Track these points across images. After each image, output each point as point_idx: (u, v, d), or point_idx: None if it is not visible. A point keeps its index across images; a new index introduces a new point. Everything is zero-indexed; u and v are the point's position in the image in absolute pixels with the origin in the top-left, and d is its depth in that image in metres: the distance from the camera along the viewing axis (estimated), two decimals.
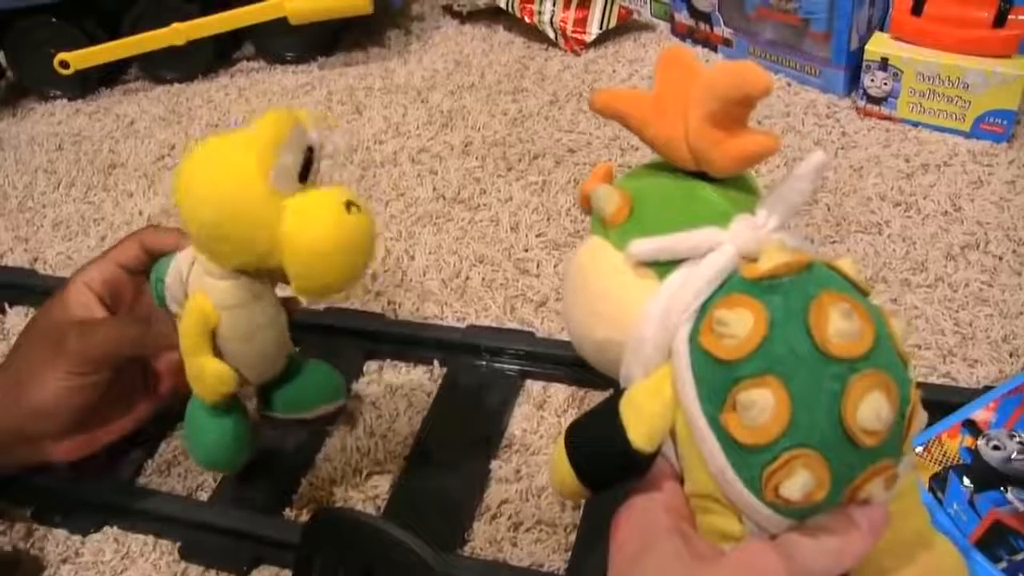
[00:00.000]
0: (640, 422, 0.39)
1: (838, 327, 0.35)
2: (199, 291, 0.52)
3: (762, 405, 0.35)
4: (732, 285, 0.38)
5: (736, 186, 0.42)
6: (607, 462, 0.41)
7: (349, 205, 0.47)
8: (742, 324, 0.36)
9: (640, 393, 0.40)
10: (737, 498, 0.37)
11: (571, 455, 0.41)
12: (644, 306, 0.40)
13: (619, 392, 0.41)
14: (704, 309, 0.38)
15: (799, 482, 0.35)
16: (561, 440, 0.42)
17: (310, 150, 0.49)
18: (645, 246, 0.40)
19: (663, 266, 0.40)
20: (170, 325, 0.54)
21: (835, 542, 0.36)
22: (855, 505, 0.36)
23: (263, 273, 0.50)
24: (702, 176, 0.42)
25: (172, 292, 0.54)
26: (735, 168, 0.41)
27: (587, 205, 0.45)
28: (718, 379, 0.36)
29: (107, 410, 0.61)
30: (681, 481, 0.41)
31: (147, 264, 0.59)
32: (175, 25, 1.09)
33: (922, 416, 0.37)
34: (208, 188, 0.47)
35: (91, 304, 0.59)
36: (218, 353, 0.53)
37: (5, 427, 0.58)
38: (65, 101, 1.16)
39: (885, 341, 0.36)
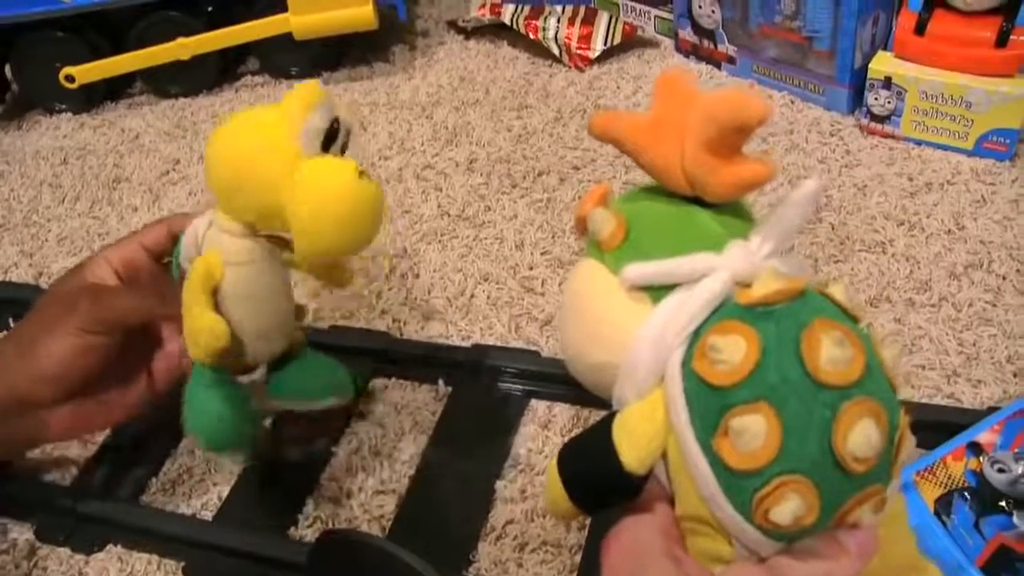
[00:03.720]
0: (632, 445, 0.39)
1: (830, 354, 0.35)
2: (210, 247, 0.54)
3: (754, 431, 0.35)
4: (726, 311, 0.38)
5: (731, 212, 0.42)
6: (599, 483, 0.41)
7: (362, 174, 0.50)
8: (735, 350, 0.36)
9: (633, 416, 0.40)
10: (728, 521, 0.37)
11: (564, 476, 0.42)
12: (638, 330, 0.40)
13: (612, 414, 0.41)
14: (697, 334, 0.38)
15: (789, 508, 0.35)
16: (554, 461, 0.43)
17: (336, 121, 0.51)
18: (640, 270, 0.40)
19: (657, 290, 0.40)
20: (179, 304, 0.55)
21: (824, 566, 0.37)
22: (845, 529, 0.37)
23: (274, 241, 0.54)
24: (698, 201, 0.42)
25: (186, 251, 0.56)
26: (730, 195, 0.41)
27: (582, 227, 0.45)
28: (711, 404, 0.37)
29: (104, 388, 0.61)
30: (672, 503, 0.41)
31: (169, 250, 0.61)
32: (180, 40, 1.10)
33: (911, 441, 0.37)
34: (237, 138, 0.51)
35: (106, 276, 0.61)
36: (219, 314, 0.55)
37: (6, 388, 0.58)
38: (70, 115, 1.17)
39: (876, 368, 0.37)
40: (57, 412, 0.60)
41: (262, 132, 0.50)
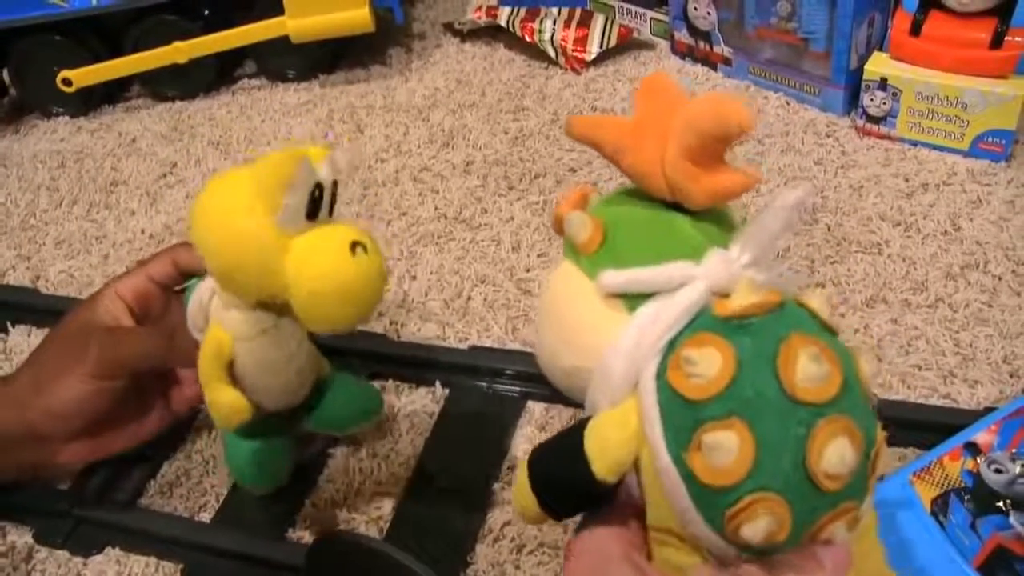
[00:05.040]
0: (604, 453, 0.39)
1: (806, 371, 0.35)
2: (217, 321, 0.53)
3: (727, 447, 0.35)
4: (702, 323, 0.38)
5: (712, 219, 0.42)
6: (569, 490, 0.41)
7: (355, 246, 0.47)
8: (710, 364, 0.36)
9: (605, 424, 0.40)
10: (699, 534, 0.37)
11: (533, 481, 0.42)
12: (613, 338, 0.39)
13: (585, 420, 0.41)
14: (673, 345, 0.38)
15: (760, 526, 0.35)
16: (524, 465, 0.43)
17: (319, 187, 0.49)
18: (616, 278, 0.40)
19: (634, 298, 0.40)
20: (194, 343, 0.55)
21: None
22: (820, 544, 0.36)
23: (281, 306, 0.50)
24: (678, 207, 0.41)
25: (193, 319, 0.55)
26: (710, 203, 0.40)
27: (559, 227, 0.44)
28: (684, 418, 0.36)
29: (119, 419, 0.62)
30: (640, 512, 0.41)
31: (178, 280, 0.62)
32: (177, 43, 1.10)
33: (887, 457, 0.38)
34: (216, 231, 0.48)
35: (120, 314, 0.61)
36: (237, 383, 0.54)
37: (18, 422, 0.59)
38: (67, 118, 1.17)
39: (853, 384, 0.36)
40: (71, 445, 0.61)
41: (241, 220, 0.47)
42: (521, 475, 0.42)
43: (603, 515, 0.42)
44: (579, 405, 0.66)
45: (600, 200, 0.45)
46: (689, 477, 0.36)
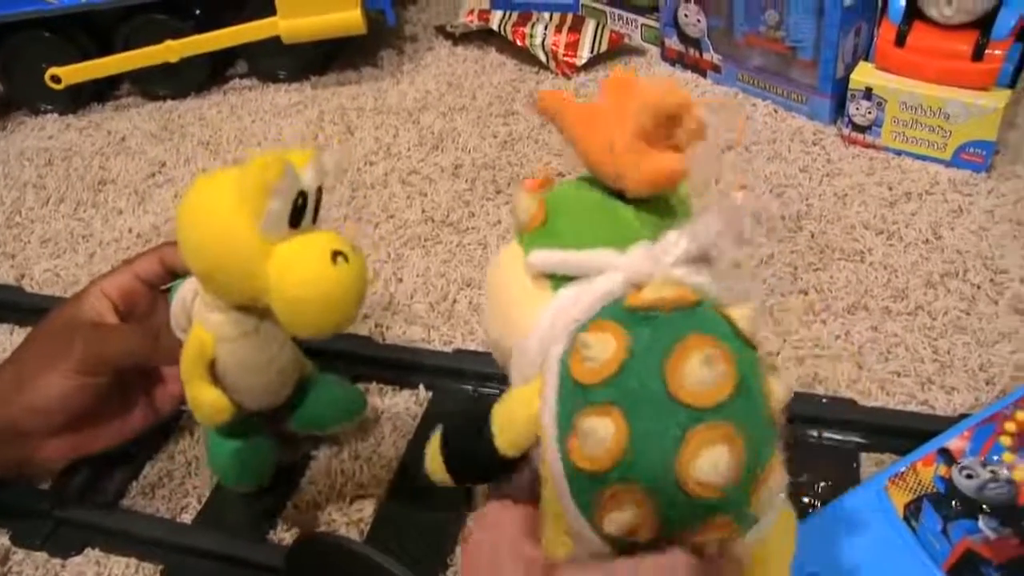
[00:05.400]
0: (507, 428, 0.40)
1: (695, 373, 0.34)
2: (199, 322, 0.53)
3: (601, 434, 0.35)
4: (610, 310, 0.38)
5: (660, 211, 0.42)
6: (472, 459, 0.43)
7: (336, 255, 0.48)
8: (603, 349, 0.36)
9: (512, 400, 0.41)
10: (572, 521, 0.37)
11: (443, 448, 0.44)
12: (534, 317, 0.40)
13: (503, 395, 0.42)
14: (584, 329, 0.38)
15: (621, 519, 0.35)
16: (438, 432, 0.44)
17: (302, 195, 0.49)
18: (542, 257, 0.41)
19: (560, 280, 0.41)
20: (178, 341, 0.55)
21: None
22: (689, 554, 0.36)
23: (263, 309, 0.51)
24: (626, 197, 0.42)
25: (176, 319, 0.56)
26: (647, 189, 0.41)
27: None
28: (573, 401, 0.37)
29: (103, 417, 0.62)
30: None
31: (164, 279, 0.62)
32: (168, 42, 1.10)
33: (779, 479, 0.36)
34: (199, 234, 0.49)
35: (105, 311, 0.61)
36: (219, 382, 0.55)
37: (2, 416, 0.59)
38: (56, 116, 1.17)
39: (752, 396, 0.36)
40: (53, 441, 0.61)
41: (224, 224, 0.48)
42: (435, 439, 0.44)
43: (506, 490, 0.43)
44: None
45: (558, 185, 0.45)
46: (567, 460, 0.36)
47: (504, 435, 0.40)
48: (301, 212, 0.49)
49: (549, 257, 0.41)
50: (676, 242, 0.39)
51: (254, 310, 0.52)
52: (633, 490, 0.35)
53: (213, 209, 0.48)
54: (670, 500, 0.34)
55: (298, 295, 0.48)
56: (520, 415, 0.40)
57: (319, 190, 0.51)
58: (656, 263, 0.39)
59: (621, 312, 0.38)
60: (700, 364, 0.34)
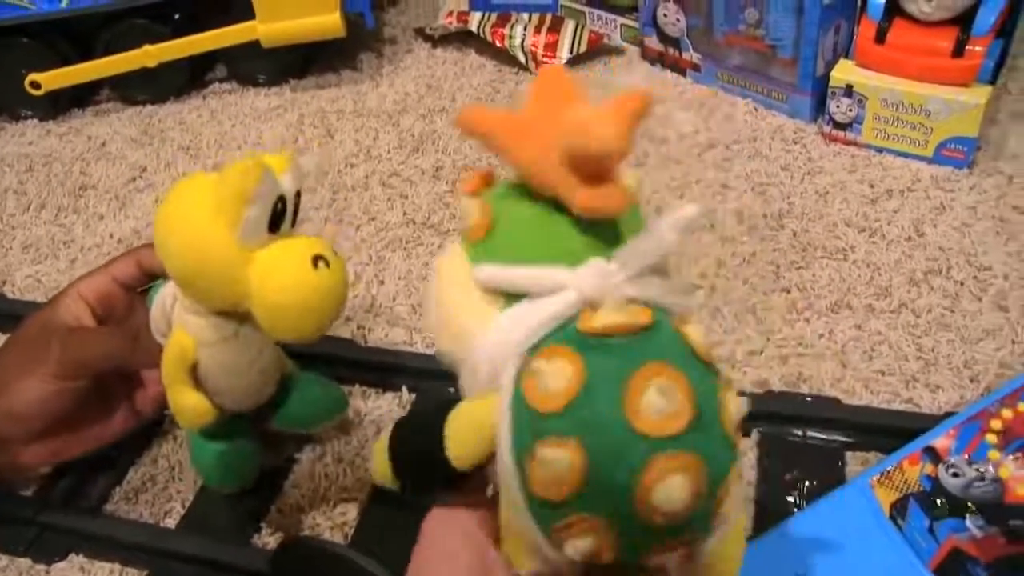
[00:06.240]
0: (460, 442, 0.40)
1: (652, 403, 0.34)
2: (180, 326, 0.53)
3: (558, 466, 0.34)
4: (565, 334, 0.37)
5: (611, 224, 0.40)
6: (422, 468, 0.42)
7: (317, 260, 0.47)
8: (558, 377, 0.35)
9: (466, 416, 0.40)
10: (533, 538, 0.37)
11: (393, 453, 0.43)
12: (481, 332, 0.39)
13: (453, 402, 0.41)
14: (536, 349, 0.37)
15: (582, 545, 0.35)
16: (385, 435, 0.44)
17: (281, 199, 0.49)
18: (492, 274, 0.39)
19: (508, 296, 0.39)
20: (157, 344, 0.55)
21: None
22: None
23: (243, 313, 0.50)
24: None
25: (156, 323, 0.55)
26: (588, 215, 0.38)
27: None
28: (528, 425, 0.36)
29: (83, 421, 0.62)
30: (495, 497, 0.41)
31: (142, 281, 0.62)
32: (147, 47, 1.09)
33: (738, 490, 0.37)
34: (177, 241, 0.48)
35: (82, 314, 0.60)
36: (201, 385, 0.54)
37: None
38: (36, 121, 1.16)
39: (711, 420, 0.36)
40: (33, 446, 0.60)
41: (202, 233, 0.47)
42: (382, 441, 0.44)
43: (456, 497, 0.43)
44: None
45: (502, 184, 0.43)
46: (524, 483, 0.36)
47: (457, 450, 0.40)
48: (280, 217, 0.49)
49: (497, 274, 0.39)
50: (628, 259, 0.38)
51: (235, 314, 0.51)
52: (592, 519, 0.35)
53: (191, 217, 0.48)
54: (630, 528, 0.35)
55: (279, 301, 0.48)
56: (472, 432, 0.39)
57: (298, 194, 0.51)
58: (607, 282, 0.38)
59: (574, 336, 0.37)
60: (657, 394, 0.34)
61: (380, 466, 0.44)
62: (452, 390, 0.68)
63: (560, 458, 0.34)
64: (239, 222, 0.47)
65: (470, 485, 0.42)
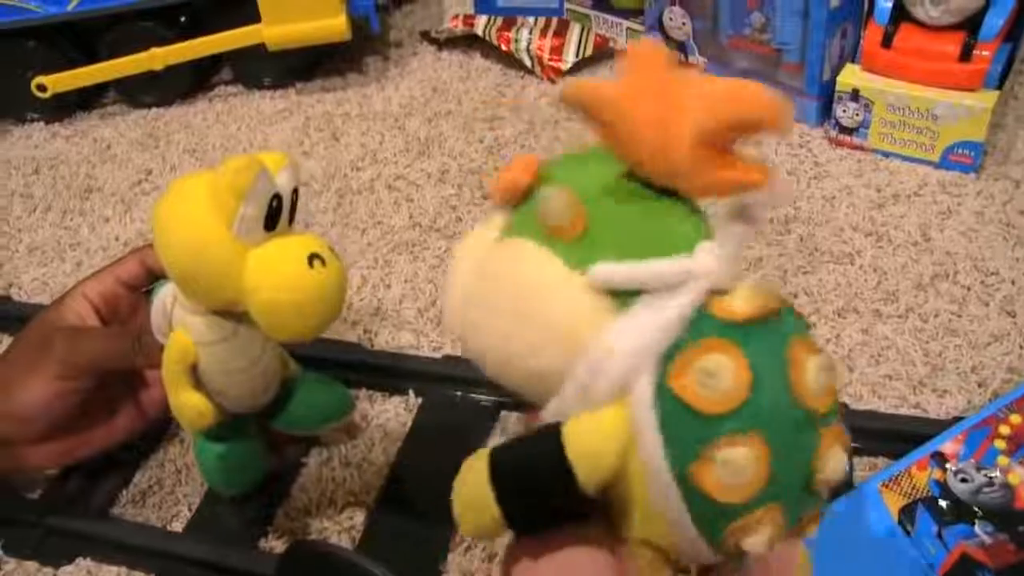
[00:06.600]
0: (589, 462, 0.36)
1: (815, 379, 0.34)
2: (180, 326, 0.53)
3: (743, 464, 0.33)
4: (705, 326, 0.35)
5: (692, 206, 0.38)
6: (543, 499, 0.38)
7: (313, 258, 0.47)
8: (724, 375, 0.34)
9: (590, 432, 0.36)
10: (686, 544, 0.36)
11: (499, 485, 0.38)
12: (601, 340, 0.36)
13: (554, 425, 0.37)
14: (676, 350, 0.35)
15: (763, 538, 0.34)
16: (478, 469, 0.39)
17: (277, 197, 0.48)
18: (612, 272, 0.36)
19: (622, 295, 0.36)
20: (159, 344, 0.55)
21: None
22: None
23: (242, 312, 0.50)
24: (664, 191, 0.37)
25: (156, 323, 0.55)
26: (715, 196, 0.37)
27: (506, 197, 0.40)
28: (693, 431, 0.34)
29: (88, 422, 0.62)
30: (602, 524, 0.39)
31: (147, 281, 0.62)
32: (153, 50, 1.09)
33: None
34: (173, 239, 0.48)
35: (86, 314, 0.60)
36: (202, 386, 0.54)
37: None
38: (42, 124, 1.16)
39: None
40: (40, 448, 0.60)
41: (196, 229, 0.47)
42: (477, 478, 0.38)
43: (569, 533, 0.39)
44: None
45: (557, 165, 0.40)
46: (692, 491, 0.34)
47: (586, 470, 0.36)
48: (276, 215, 0.49)
49: (620, 271, 0.36)
50: (728, 238, 0.36)
51: (234, 313, 0.51)
52: (774, 509, 0.34)
53: (186, 213, 0.48)
54: (799, 506, 0.35)
55: (275, 299, 0.47)
56: (604, 449, 0.36)
57: (295, 192, 0.51)
58: (731, 266, 0.36)
59: (719, 327, 0.35)
60: (818, 371, 0.34)
61: (480, 505, 0.38)
62: (459, 394, 0.70)
63: (744, 456, 0.33)
64: (233, 219, 0.47)
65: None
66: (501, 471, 0.38)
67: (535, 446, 0.38)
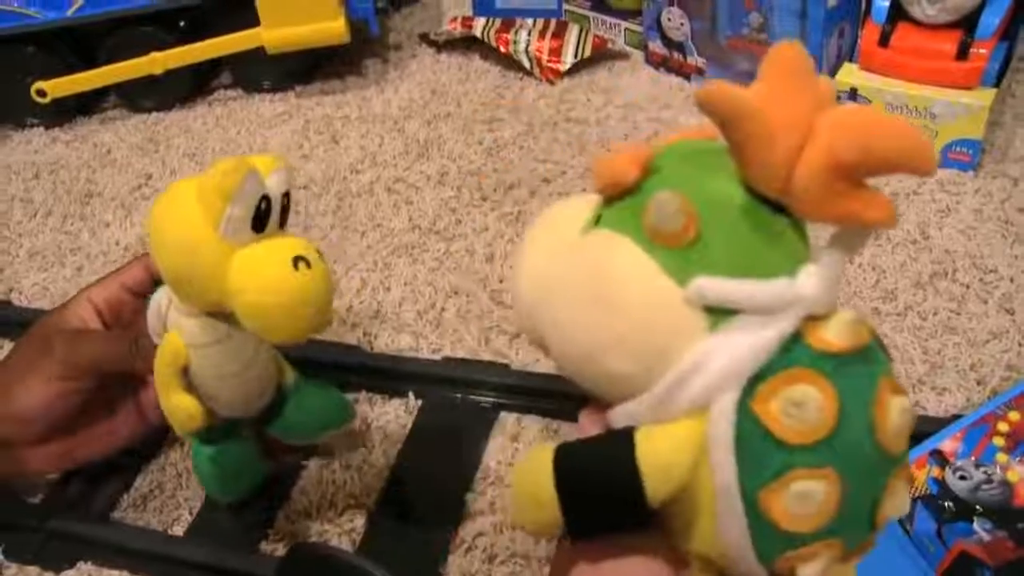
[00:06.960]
0: (661, 472, 0.35)
1: (895, 422, 0.34)
2: (173, 328, 0.53)
3: (815, 498, 0.33)
4: (798, 354, 0.34)
5: (800, 225, 0.36)
6: (607, 504, 0.36)
7: (298, 260, 0.47)
8: (812, 407, 0.33)
9: (664, 444, 0.35)
10: (741, 564, 0.36)
11: (563, 486, 0.36)
12: (690, 353, 0.35)
13: (625, 431, 0.36)
14: (766, 372, 0.34)
15: (819, 567, 0.34)
16: (544, 458, 0.37)
17: (265, 199, 0.49)
18: (717, 288, 0.34)
19: (714, 313, 0.35)
20: (155, 347, 0.55)
21: None
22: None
23: (231, 315, 0.50)
24: (773, 205, 0.36)
25: (152, 325, 0.55)
26: (834, 223, 0.35)
27: (607, 184, 0.38)
28: (768, 456, 0.34)
29: (89, 425, 0.62)
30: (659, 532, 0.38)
31: (151, 287, 0.61)
32: (152, 54, 1.10)
33: None
34: (164, 239, 0.49)
35: (89, 319, 0.61)
36: (194, 389, 0.54)
37: None
38: (42, 129, 1.16)
39: None
40: (40, 451, 0.60)
41: (184, 229, 0.48)
42: (539, 473, 0.37)
43: (626, 543, 0.39)
44: (551, 416, 0.68)
45: (665, 164, 0.38)
46: (757, 515, 0.34)
47: (657, 480, 0.35)
48: (265, 217, 0.49)
49: (725, 288, 0.34)
50: (829, 264, 0.35)
51: (226, 316, 0.51)
52: (835, 543, 0.34)
53: (176, 214, 0.48)
54: (857, 538, 0.35)
55: (259, 301, 0.47)
56: (677, 462, 0.35)
57: (286, 195, 0.51)
58: (831, 294, 0.35)
59: (811, 357, 0.34)
60: (899, 413, 0.34)
61: (538, 500, 0.37)
62: (459, 396, 0.70)
63: (817, 490, 0.33)
64: (220, 219, 0.47)
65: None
66: (567, 472, 0.37)
67: (605, 451, 0.37)
